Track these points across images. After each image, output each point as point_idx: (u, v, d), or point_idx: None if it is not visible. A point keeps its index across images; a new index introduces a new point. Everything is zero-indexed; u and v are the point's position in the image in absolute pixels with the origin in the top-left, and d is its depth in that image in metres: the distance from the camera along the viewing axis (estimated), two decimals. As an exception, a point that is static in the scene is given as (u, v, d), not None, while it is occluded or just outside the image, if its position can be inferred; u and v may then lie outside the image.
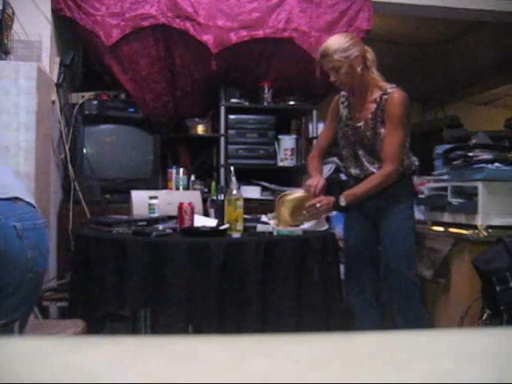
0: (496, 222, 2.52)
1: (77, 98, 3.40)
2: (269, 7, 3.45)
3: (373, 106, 2.34)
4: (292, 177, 4.04)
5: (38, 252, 1.70)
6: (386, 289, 2.48)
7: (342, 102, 2.50)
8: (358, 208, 2.42)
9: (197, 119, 3.65)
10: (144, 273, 2.13)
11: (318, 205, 2.33)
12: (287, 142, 3.73)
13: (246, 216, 2.55)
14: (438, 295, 2.73)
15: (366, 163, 2.38)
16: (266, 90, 3.63)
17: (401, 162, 2.32)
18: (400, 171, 2.33)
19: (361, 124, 2.37)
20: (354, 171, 2.44)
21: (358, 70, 2.30)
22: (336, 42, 2.31)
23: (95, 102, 3.39)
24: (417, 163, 2.43)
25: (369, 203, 2.38)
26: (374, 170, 2.35)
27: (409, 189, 2.44)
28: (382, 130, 2.31)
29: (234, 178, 2.45)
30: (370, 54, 2.38)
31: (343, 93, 2.50)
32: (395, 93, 2.29)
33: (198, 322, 2.17)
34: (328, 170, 3.58)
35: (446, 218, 2.79)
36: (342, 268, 2.54)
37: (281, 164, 3.72)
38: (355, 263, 2.51)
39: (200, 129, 3.64)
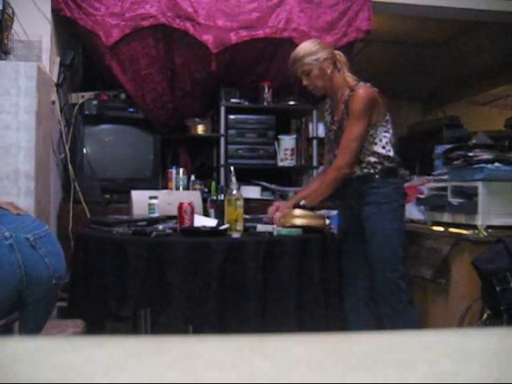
0: (496, 222, 2.52)
1: (77, 97, 3.40)
2: (269, 7, 3.46)
3: (343, 106, 2.36)
4: (292, 177, 4.04)
5: (56, 258, 1.70)
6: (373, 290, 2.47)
7: (327, 110, 2.55)
8: (348, 209, 2.43)
9: (197, 119, 3.65)
10: (144, 273, 2.13)
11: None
12: (287, 141, 3.73)
13: (246, 216, 2.55)
14: (438, 295, 2.73)
15: None
16: (266, 90, 3.64)
17: (353, 156, 2.30)
18: (352, 164, 2.31)
19: (336, 125, 2.41)
20: None
21: (328, 71, 2.35)
22: (304, 47, 2.40)
23: (95, 102, 3.39)
24: (397, 160, 2.41)
25: (354, 204, 2.38)
26: None
27: (394, 189, 2.39)
28: None
29: (233, 178, 2.45)
30: (341, 57, 2.44)
31: (327, 100, 2.55)
32: (360, 88, 2.30)
33: (198, 322, 2.16)
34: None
35: (446, 218, 2.79)
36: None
37: (281, 164, 3.72)
38: (346, 264, 2.49)
39: (200, 129, 3.64)
